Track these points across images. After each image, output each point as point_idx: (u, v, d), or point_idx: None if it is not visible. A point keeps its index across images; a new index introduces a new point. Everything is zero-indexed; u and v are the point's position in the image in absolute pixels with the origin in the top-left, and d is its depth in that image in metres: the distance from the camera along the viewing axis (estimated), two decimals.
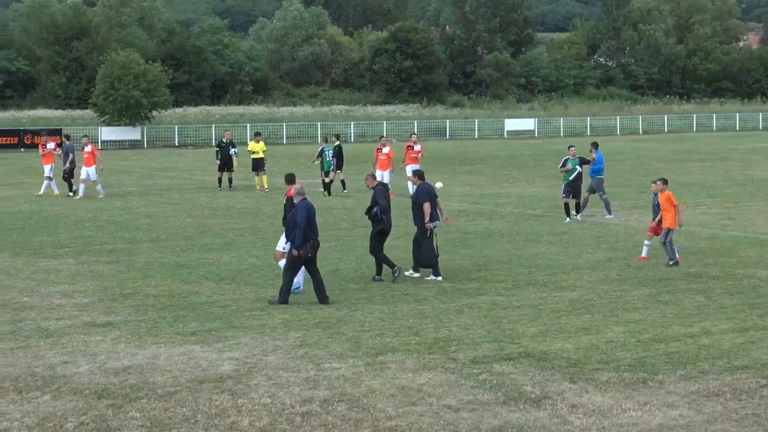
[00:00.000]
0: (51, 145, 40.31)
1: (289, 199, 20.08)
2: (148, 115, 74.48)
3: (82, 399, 13.07)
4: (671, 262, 22.55)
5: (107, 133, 73.82)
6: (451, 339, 15.98)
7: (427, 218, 21.24)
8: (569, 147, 31.00)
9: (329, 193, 38.59)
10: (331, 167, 38.73)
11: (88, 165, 38.54)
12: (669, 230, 22.70)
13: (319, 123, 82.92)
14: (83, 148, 39.05)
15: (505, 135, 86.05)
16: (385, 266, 21.24)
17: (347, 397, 13.04)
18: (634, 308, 18.21)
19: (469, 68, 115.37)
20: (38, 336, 16.43)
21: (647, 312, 17.88)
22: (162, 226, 29.91)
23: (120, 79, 71.47)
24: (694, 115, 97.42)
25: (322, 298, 18.80)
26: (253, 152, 40.81)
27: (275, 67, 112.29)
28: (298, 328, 16.83)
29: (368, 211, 21.10)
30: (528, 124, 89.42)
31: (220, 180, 40.61)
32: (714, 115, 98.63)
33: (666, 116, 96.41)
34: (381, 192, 21.11)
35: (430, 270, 21.39)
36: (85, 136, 43.57)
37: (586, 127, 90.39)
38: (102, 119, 74.34)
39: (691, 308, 18.20)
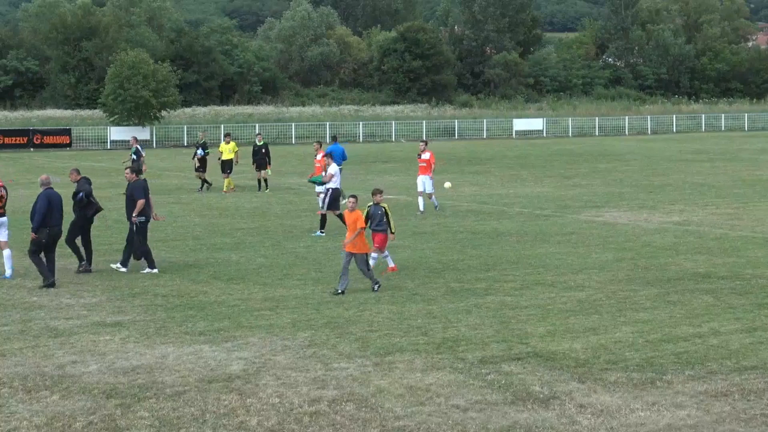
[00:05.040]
0: None
1: None
2: (157, 115, 74.61)
3: (90, 398, 13.10)
4: (375, 287, 19.81)
5: (116, 133, 73.93)
6: (459, 339, 15.98)
7: (135, 213, 22.43)
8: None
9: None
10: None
11: None
12: (352, 254, 19.60)
13: (327, 123, 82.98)
14: None
15: (514, 135, 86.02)
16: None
17: (355, 397, 13.06)
18: (643, 308, 18.19)
19: (477, 68, 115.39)
20: (47, 335, 16.48)
21: (655, 312, 17.86)
22: (171, 225, 29.93)
23: (129, 79, 71.63)
24: (703, 116, 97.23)
25: (50, 282, 20.48)
26: (222, 153, 41.04)
27: (284, 67, 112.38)
28: (307, 327, 16.85)
29: (74, 196, 22.87)
30: (536, 124, 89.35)
31: (203, 182, 40.92)
32: (723, 115, 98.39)
33: (674, 116, 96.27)
34: (83, 183, 23.06)
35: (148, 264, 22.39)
36: None
37: (595, 127, 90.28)
38: (111, 119, 74.49)
39: (700, 308, 18.17)
